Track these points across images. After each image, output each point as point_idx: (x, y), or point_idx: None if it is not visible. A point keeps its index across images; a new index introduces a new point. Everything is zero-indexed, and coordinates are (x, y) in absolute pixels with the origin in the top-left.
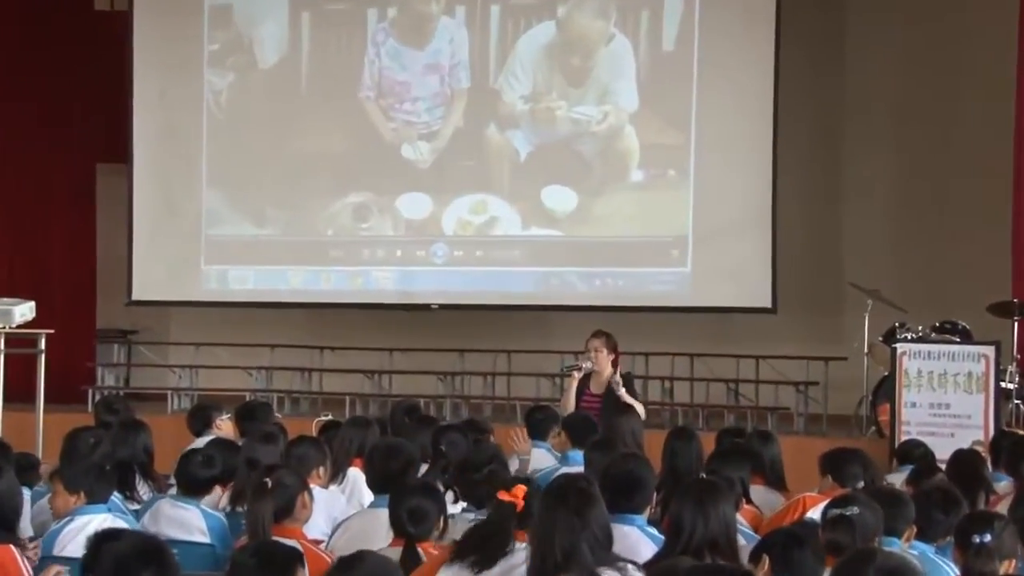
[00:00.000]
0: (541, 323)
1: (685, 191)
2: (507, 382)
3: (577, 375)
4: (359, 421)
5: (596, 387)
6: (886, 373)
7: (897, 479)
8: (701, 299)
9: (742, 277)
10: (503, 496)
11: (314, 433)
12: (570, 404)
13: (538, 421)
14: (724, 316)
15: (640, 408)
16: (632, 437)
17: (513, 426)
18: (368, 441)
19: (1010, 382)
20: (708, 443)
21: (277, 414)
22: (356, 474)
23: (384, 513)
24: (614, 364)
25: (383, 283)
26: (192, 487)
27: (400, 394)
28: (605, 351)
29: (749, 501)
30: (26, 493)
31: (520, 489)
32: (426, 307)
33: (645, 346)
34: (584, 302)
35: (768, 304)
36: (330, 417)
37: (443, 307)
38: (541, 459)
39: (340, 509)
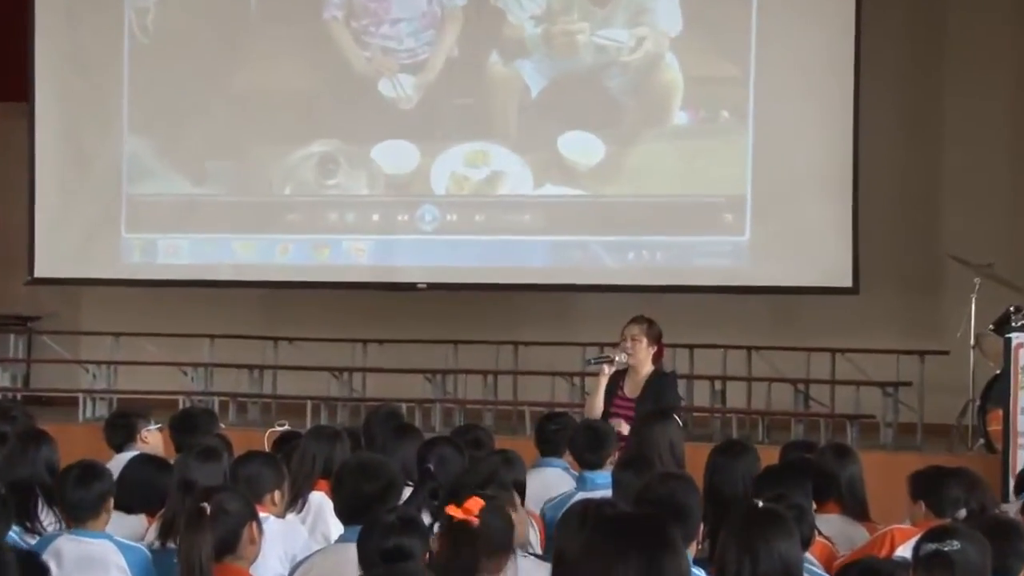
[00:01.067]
0: (557, 307)
1: (742, 138)
2: (513, 383)
3: (607, 370)
4: (324, 432)
5: (632, 388)
6: (998, 371)
7: (1012, 507)
8: (762, 276)
9: (814, 248)
10: (453, 513)
11: (267, 447)
12: (596, 409)
13: (552, 433)
14: (791, 298)
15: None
16: (670, 451)
17: (520, 439)
18: (336, 458)
19: None
20: (770, 460)
21: (220, 424)
22: (320, 500)
23: (355, 549)
24: (655, 360)
25: (355, 256)
26: (80, 510)
27: (377, 398)
28: (645, 341)
29: (820, 533)
30: None
31: (474, 503)
32: (411, 287)
33: (690, 336)
34: (612, 280)
35: (847, 283)
36: (287, 427)
37: (432, 287)
38: (555, 481)
39: (300, 544)
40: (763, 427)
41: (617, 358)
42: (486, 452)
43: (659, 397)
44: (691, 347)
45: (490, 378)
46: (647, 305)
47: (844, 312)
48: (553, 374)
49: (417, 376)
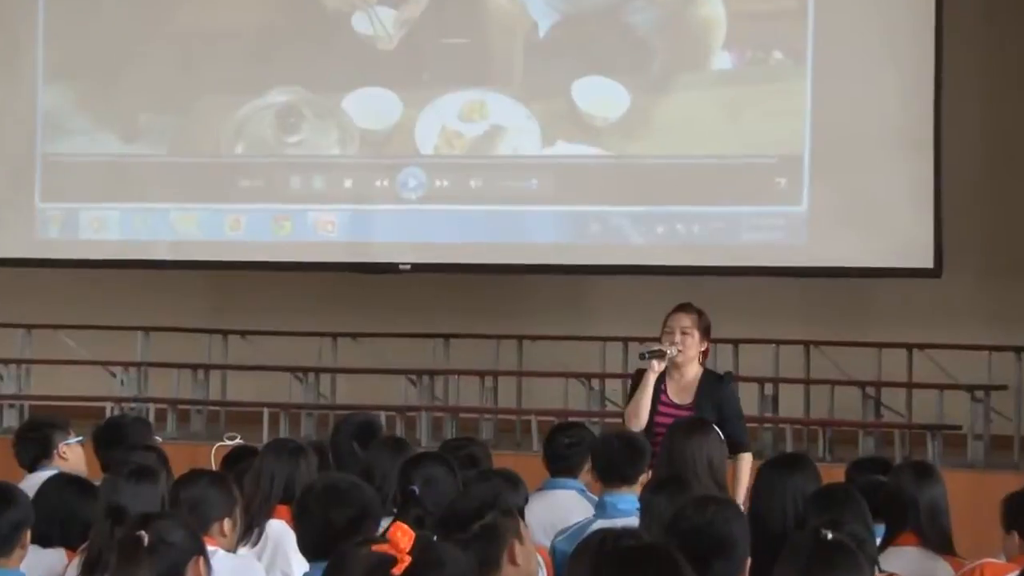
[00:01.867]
0: (571, 294)
1: (798, 85)
2: (517, 386)
3: (657, 367)
4: (285, 447)
5: (678, 393)
6: None
7: None
8: (822, 255)
9: (887, 221)
10: (377, 548)
11: (214, 466)
12: (643, 414)
13: (564, 447)
14: (858, 283)
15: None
16: (709, 470)
17: (525, 455)
18: (299, 478)
19: None
20: (835, 479)
21: (156, 436)
22: (280, 530)
23: None
24: (703, 359)
25: (323, 230)
26: None
27: (349, 405)
28: (697, 335)
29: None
30: None
31: (402, 535)
32: (392, 268)
33: (733, 329)
34: (639, 260)
35: (927, 263)
36: (239, 440)
37: (417, 269)
38: (569, 507)
39: None
40: (824, 441)
41: (669, 351)
42: (484, 471)
43: (722, 409)
44: (735, 342)
45: (489, 380)
46: (681, 290)
47: (923, 299)
48: (566, 375)
49: (399, 378)
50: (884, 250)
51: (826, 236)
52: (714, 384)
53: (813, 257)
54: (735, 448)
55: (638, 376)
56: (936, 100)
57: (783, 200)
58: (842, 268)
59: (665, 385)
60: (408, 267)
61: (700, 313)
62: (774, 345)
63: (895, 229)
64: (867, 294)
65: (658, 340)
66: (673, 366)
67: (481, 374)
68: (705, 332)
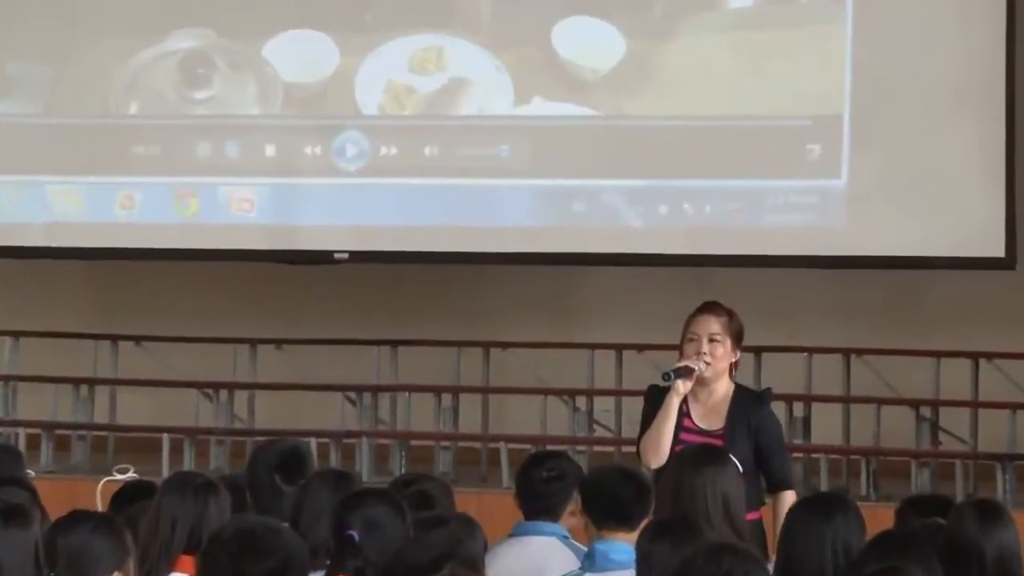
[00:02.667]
0: (552, 289)
1: (837, 29)
2: (482, 406)
3: (683, 388)
4: (189, 483)
5: (705, 415)
6: None
7: None
8: (866, 241)
9: (946, 199)
10: None
11: (101, 507)
12: (664, 445)
13: (542, 483)
14: (911, 277)
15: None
16: (725, 511)
17: (493, 492)
18: (207, 522)
19: None
20: (880, 526)
21: (28, 469)
22: None
23: None
24: (733, 370)
25: (239, 210)
26: None
27: (271, 429)
28: (729, 343)
29: None
30: None
31: None
32: (326, 258)
33: (755, 334)
34: (637, 247)
35: (997, 252)
36: (132, 475)
37: (357, 258)
38: (548, 557)
39: None
40: (868, 474)
41: (696, 367)
42: (440, 513)
43: (760, 436)
44: (757, 350)
45: (447, 398)
46: (689, 286)
47: (993, 297)
48: (544, 392)
49: (334, 395)
50: (943, 235)
51: (870, 218)
52: (750, 404)
53: (854, 244)
54: (777, 485)
55: (653, 395)
56: (1009, 50)
57: (817, 173)
58: (890, 258)
59: (688, 406)
60: (346, 256)
61: (731, 314)
62: (806, 355)
63: (957, 209)
64: (922, 290)
65: (676, 349)
66: (699, 383)
67: (437, 390)
68: (737, 338)
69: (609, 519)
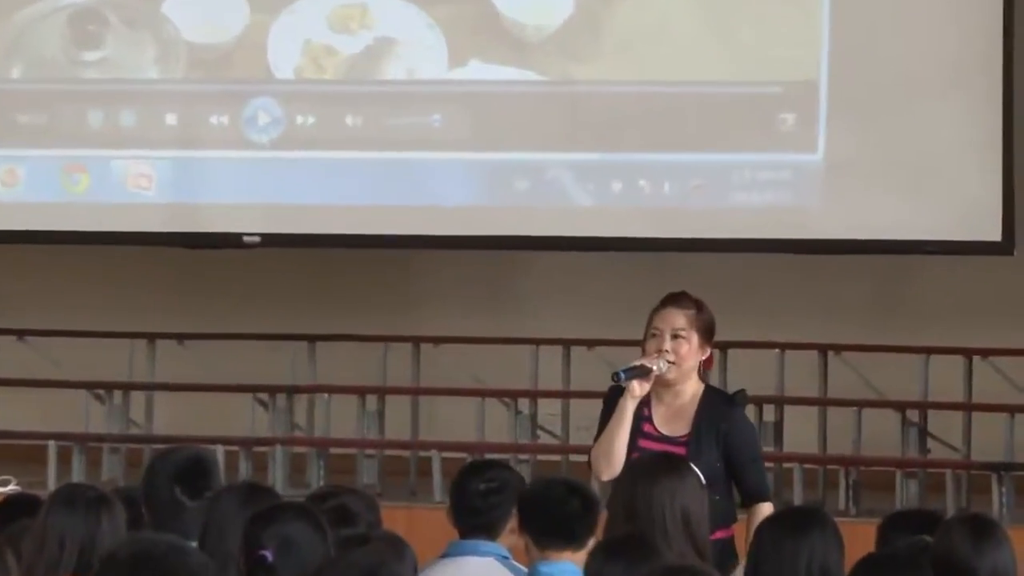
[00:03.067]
0: (490, 277)
1: None
2: (412, 408)
3: (640, 390)
4: (80, 497)
5: (669, 420)
6: None
7: None
8: (845, 223)
9: (936, 177)
10: None
11: None
12: (617, 455)
13: (480, 496)
14: (896, 264)
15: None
16: (684, 527)
17: (424, 507)
18: (99, 541)
19: None
20: (860, 545)
21: None
22: None
23: None
24: (703, 369)
25: (136, 187)
26: None
27: (171, 436)
28: (696, 339)
29: None
30: None
31: None
32: (234, 241)
33: (721, 328)
34: (587, 229)
35: (994, 235)
36: (14, 487)
37: (271, 242)
38: None
39: None
40: (848, 486)
41: (655, 367)
42: (364, 531)
43: (731, 443)
44: (724, 346)
45: (372, 400)
46: (646, 273)
47: (987, 286)
48: (482, 394)
49: (243, 397)
50: (932, 217)
51: (850, 197)
52: (720, 408)
53: (832, 226)
54: (752, 498)
55: (613, 397)
56: (1006, 15)
57: (790, 146)
58: (873, 242)
59: (650, 410)
60: (257, 239)
61: (699, 307)
62: (777, 351)
63: (948, 187)
64: (908, 279)
65: (631, 344)
66: (662, 384)
67: (361, 391)
68: (706, 334)
69: (551, 537)
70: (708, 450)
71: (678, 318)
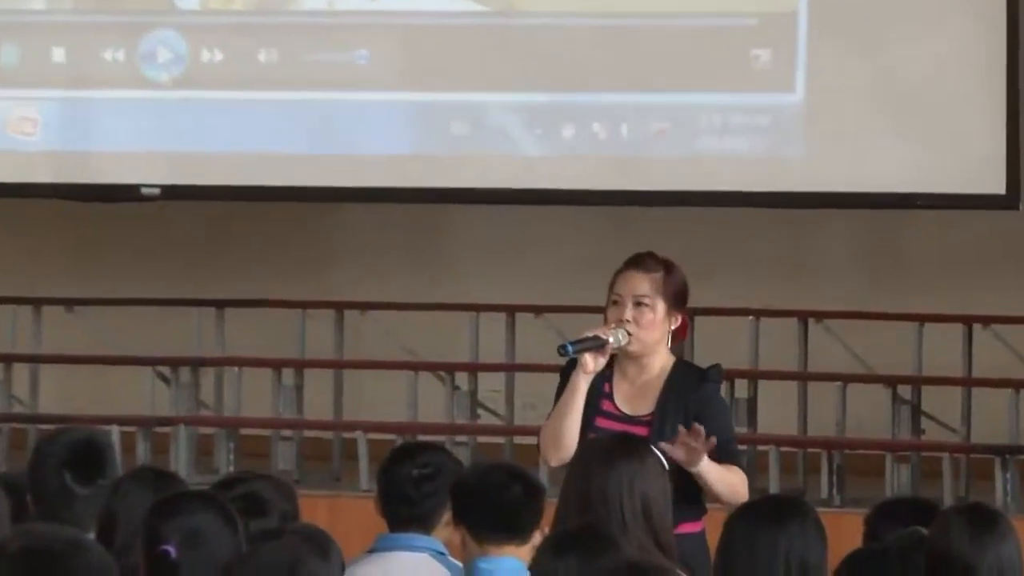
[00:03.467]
0: (423, 234)
1: None
2: (334, 384)
3: (593, 364)
4: None
5: (632, 399)
6: None
7: None
8: (828, 173)
9: (932, 121)
10: None
11: None
12: (567, 437)
13: (411, 484)
14: (886, 220)
15: (736, 481)
16: (644, 518)
17: (349, 495)
18: None
19: None
20: (845, 538)
21: None
22: None
23: None
24: (676, 341)
25: (17, 132)
26: None
27: (61, 415)
28: (661, 307)
29: None
30: None
31: None
32: (131, 194)
33: (693, 293)
34: (533, 181)
35: (997, 188)
36: None
37: (173, 194)
38: None
39: None
40: (831, 471)
41: (611, 339)
42: (279, 522)
43: (712, 423)
44: (690, 313)
45: (288, 375)
46: (603, 230)
47: (989, 246)
48: (415, 367)
49: (141, 371)
50: (927, 167)
51: (834, 143)
52: (689, 383)
53: (813, 177)
54: None
55: (570, 371)
56: None
57: (765, 85)
58: (859, 195)
59: (612, 386)
60: (157, 192)
61: (668, 269)
62: (751, 319)
63: (946, 133)
64: (900, 237)
65: (585, 311)
66: (626, 357)
67: (277, 364)
68: (676, 300)
69: (491, 530)
70: (673, 431)
71: (641, 283)
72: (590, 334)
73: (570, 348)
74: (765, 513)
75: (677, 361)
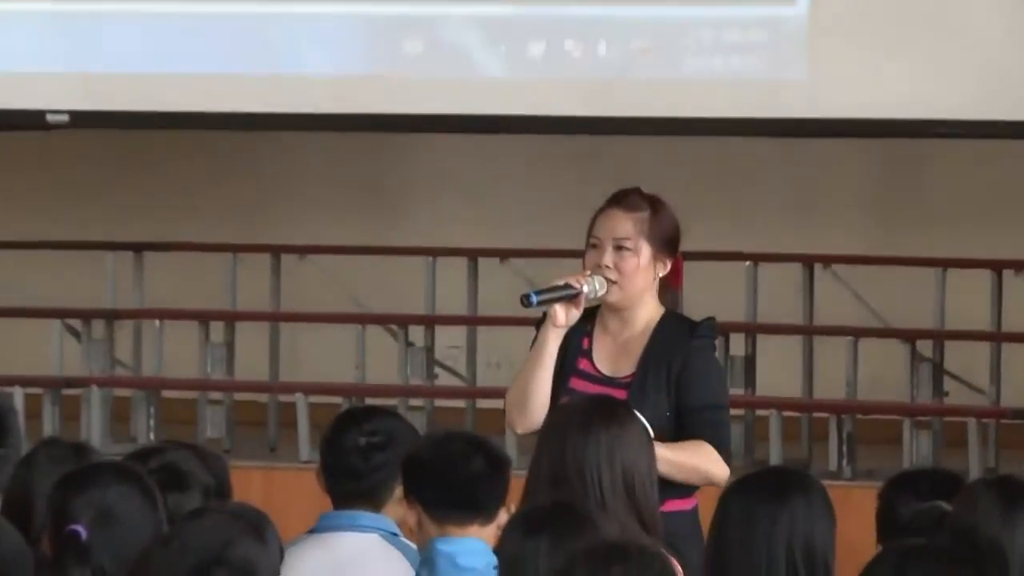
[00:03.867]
0: (374, 168)
1: None
2: (270, 338)
3: (564, 316)
4: None
5: (613, 357)
6: None
7: None
8: (834, 98)
9: (954, 39)
10: None
11: None
12: (535, 400)
13: (359, 455)
14: (903, 150)
15: (696, 464)
16: (626, 493)
17: (286, 466)
18: None
19: None
20: (856, 515)
21: None
22: None
23: None
24: (667, 289)
25: None
26: None
27: None
28: (646, 250)
29: None
30: None
31: None
32: (36, 122)
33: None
34: (500, 105)
35: None
36: None
37: (83, 121)
38: (368, 564)
39: None
40: (841, 440)
41: (585, 288)
42: (203, 499)
43: (685, 383)
44: (683, 255)
45: (217, 329)
46: (576, 163)
47: (1020, 180)
48: (362, 320)
49: (47, 324)
50: (949, 90)
51: (841, 63)
52: (676, 339)
53: (818, 102)
54: None
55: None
56: None
57: None
58: (873, 122)
59: (591, 342)
60: (64, 119)
61: (655, 208)
62: (748, 264)
63: (969, 51)
64: (919, 171)
65: (560, 256)
66: (608, 310)
67: (203, 317)
68: (664, 243)
69: (450, 508)
70: (656, 393)
71: (623, 223)
72: (560, 282)
73: (534, 298)
74: (764, 488)
75: (666, 314)
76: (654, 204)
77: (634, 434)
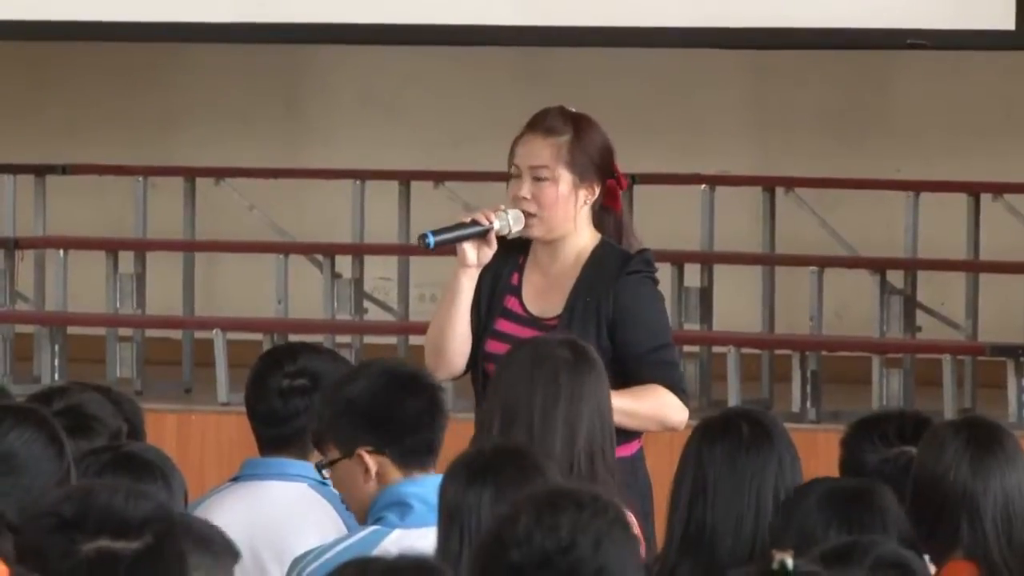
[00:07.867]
0: (290, 81)
1: None
2: (185, 271)
3: (474, 256)
4: None
5: (543, 295)
6: None
7: None
8: (795, 6)
9: None
10: None
11: None
12: (451, 343)
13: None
14: (869, 63)
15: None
16: (585, 441)
17: (204, 409)
18: None
19: None
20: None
21: None
22: None
23: None
24: (605, 213)
25: None
26: None
27: None
28: (567, 178)
29: None
30: None
31: None
32: None
33: (623, 156)
34: (427, 14)
35: (1006, 23)
36: None
37: None
38: (297, 513)
39: None
40: (804, 379)
41: (497, 223)
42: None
43: (620, 321)
44: (632, 177)
45: (126, 259)
46: (515, 77)
47: (996, 95)
48: (285, 250)
49: None
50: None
51: None
52: (606, 274)
53: (776, 10)
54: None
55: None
56: None
57: None
58: (835, 32)
59: (521, 279)
60: None
61: (577, 128)
62: (704, 188)
63: None
64: (886, 86)
65: (495, 178)
66: (539, 245)
67: (111, 246)
68: (590, 168)
69: (415, 454)
70: (585, 334)
71: (539, 150)
72: (466, 218)
73: (431, 239)
74: (721, 434)
75: (600, 244)
76: (577, 125)
77: (595, 379)
